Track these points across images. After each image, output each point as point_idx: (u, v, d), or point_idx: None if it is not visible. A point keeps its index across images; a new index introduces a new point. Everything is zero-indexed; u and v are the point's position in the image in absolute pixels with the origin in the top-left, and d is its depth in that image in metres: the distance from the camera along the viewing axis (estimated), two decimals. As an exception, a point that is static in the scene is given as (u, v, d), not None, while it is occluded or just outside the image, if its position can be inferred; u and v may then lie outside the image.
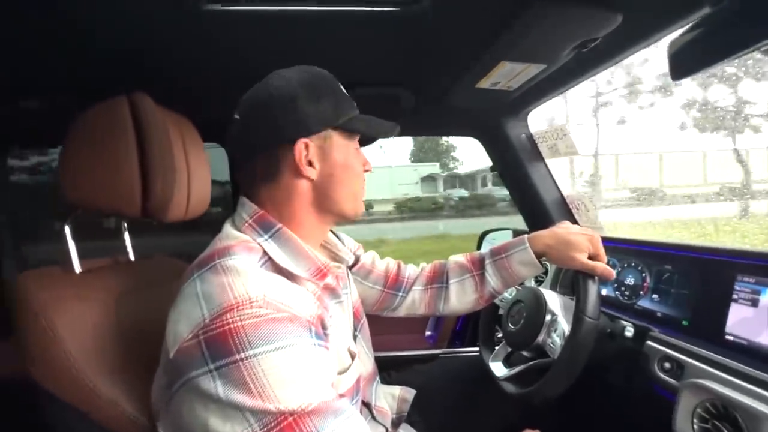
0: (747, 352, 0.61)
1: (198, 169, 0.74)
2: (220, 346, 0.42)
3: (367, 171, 0.64)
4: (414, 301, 0.85)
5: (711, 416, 0.58)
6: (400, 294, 0.84)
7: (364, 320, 0.75)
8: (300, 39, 0.76)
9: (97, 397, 0.52)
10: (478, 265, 0.80)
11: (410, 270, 0.87)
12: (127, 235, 0.80)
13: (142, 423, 0.53)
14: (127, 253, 0.79)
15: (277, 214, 0.56)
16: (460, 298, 0.81)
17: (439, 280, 0.84)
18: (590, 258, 0.71)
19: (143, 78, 0.84)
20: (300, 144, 0.54)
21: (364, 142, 0.66)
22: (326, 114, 0.56)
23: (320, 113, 0.56)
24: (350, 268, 0.82)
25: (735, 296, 0.66)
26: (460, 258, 0.84)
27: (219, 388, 0.41)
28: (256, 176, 0.57)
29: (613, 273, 0.71)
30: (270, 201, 0.57)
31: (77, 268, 0.65)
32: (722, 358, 0.61)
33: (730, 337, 0.64)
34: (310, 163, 0.56)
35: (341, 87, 0.60)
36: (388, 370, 1.00)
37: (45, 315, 0.53)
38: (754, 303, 0.63)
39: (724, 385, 0.58)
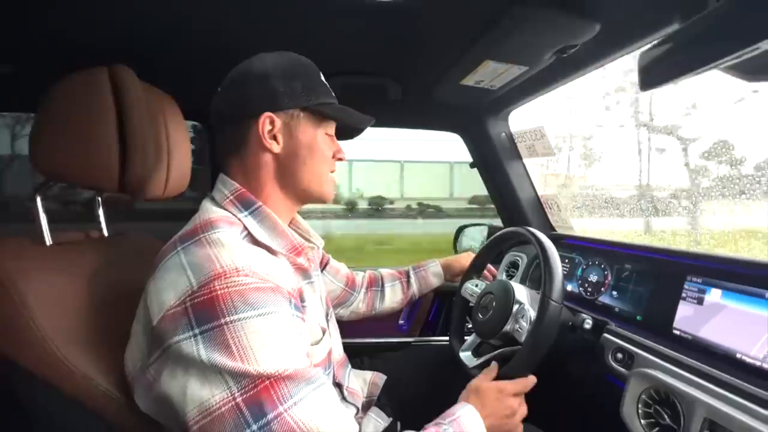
0: (690, 345, 0.67)
1: (179, 147, 0.73)
2: (207, 311, 0.44)
3: (340, 159, 0.66)
4: (359, 301, 1.02)
5: (654, 402, 0.63)
6: (354, 293, 1.00)
7: (332, 309, 0.81)
8: (289, 24, 0.76)
9: (69, 371, 0.52)
10: (405, 274, 1.08)
11: (359, 275, 1.05)
12: (101, 210, 0.78)
13: (115, 396, 0.53)
14: (100, 228, 0.78)
15: (247, 186, 0.59)
16: (392, 298, 1.05)
17: (376, 284, 1.05)
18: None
19: (126, 51, 0.82)
20: (264, 117, 0.57)
21: (342, 136, 0.69)
22: (295, 94, 0.59)
23: (290, 92, 0.58)
24: (323, 268, 0.93)
25: (684, 295, 0.71)
26: (391, 270, 1.09)
27: (201, 351, 0.43)
28: (228, 146, 0.61)
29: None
30: (240, 171, 0.61)
31: (48, 240, 0.63)
32: (668, 350, 0.67)
33: (677, 332, 0.70)
34: (274, 138, 0.59)
35: (320, 76, 0.63)
36: (361, 357, 1.03)
37: (12, 285, 0.52)
38: (700, 301, 0.69)
39: (666, 374, 0.63)
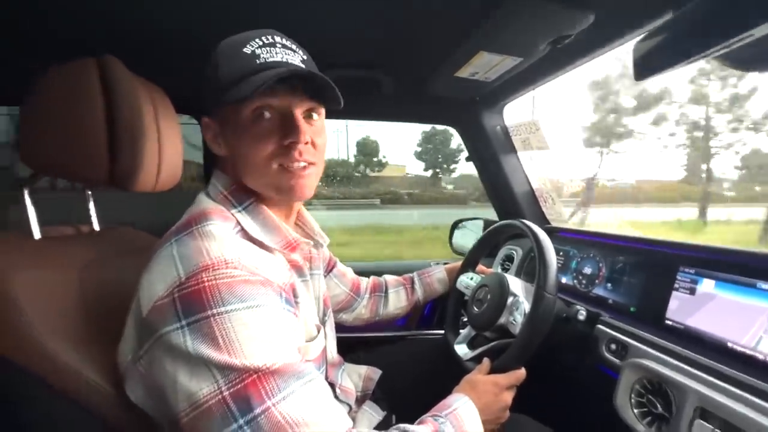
0: (683, 335, 0.67)
1: (170, 140, 0.72)
2: (194, 302, 0.43)
3: (292, 142, 0.53)
4: (362, 306, 1.00)
5: (646, 391, 0.64)
6: (358, 298, 0.99)
7: (331, 310, 0.79)
8: (280, 16, 0.75)
9: (60, 366, 0.51)
10: (409, 280, 1.06)
11: (363, 280, 1.03)
12: (92, 204, 0.77)
13: (106, 391, 0.52)
14: (90, 222, 0.77)
15: (237, 183, 0.59)
16: (396, 304, 1.03)
17: (379, 290, 1.03)
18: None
19: (115, 43, 0.80)
20: (204, 122, 0.57)
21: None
22: (220, 86, 0.52)
23: (216, 86, 0.52)
24: (330, 271, 0.93)
25: (676, 285, 0.72)
26: (395, 276, 1.08)
27: (188, 342, 0.42)
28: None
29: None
30: (221, 169, 0.61)
31: (36, 234, 0.62)
32: (661, 340, 0.67)
33: (670, 322, 0.70)
34: (223, 140, 0.57)
35: (245, 47, 0.52)
36: (357, 351, 1.03)
37: (2, 279, 0.51)
38: (692, 291, 0.69)
39: (659, 364, 0.63)
